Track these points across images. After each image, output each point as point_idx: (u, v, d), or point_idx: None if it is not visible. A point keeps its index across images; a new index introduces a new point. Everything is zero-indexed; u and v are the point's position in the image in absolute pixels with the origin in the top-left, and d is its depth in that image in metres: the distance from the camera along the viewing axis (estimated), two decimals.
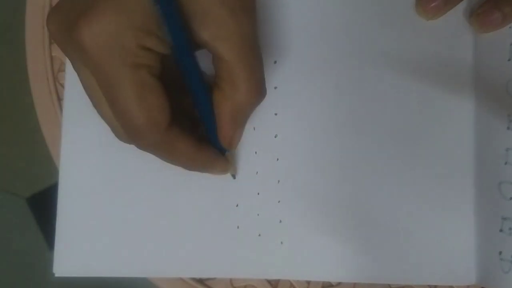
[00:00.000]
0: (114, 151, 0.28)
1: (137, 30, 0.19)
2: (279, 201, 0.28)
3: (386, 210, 0.27)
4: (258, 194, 0.28)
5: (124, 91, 0.20)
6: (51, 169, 0.29)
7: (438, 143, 0.28)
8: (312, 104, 0.28)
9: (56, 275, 0.28)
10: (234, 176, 0.28)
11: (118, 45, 0.19)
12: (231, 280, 0.28)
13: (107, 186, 0.28)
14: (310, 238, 0.27)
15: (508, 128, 0.27)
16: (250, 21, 0.21)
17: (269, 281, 0.28)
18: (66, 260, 0.28)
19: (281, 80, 0.28)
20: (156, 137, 0.21)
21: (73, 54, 0.21)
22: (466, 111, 0.28)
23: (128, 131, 0.21)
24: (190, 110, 0.24)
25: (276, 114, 0.28)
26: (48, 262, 0.28)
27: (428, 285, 0.28)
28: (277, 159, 0.28)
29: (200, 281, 0.28)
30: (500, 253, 0.26)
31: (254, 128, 0.28)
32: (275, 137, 0.28)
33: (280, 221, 0.28)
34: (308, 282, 0.28)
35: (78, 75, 0.22)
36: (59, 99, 0.30)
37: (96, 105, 0.22)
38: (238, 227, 0.28)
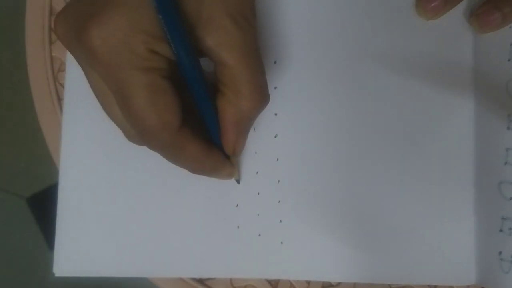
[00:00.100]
0: (114, 151, 0.28)
1: (145, 35, 0.19)
2: (279, 201, 0.28)
3: (386, 210, 0.27)
4: (258, 194, 0.28)
5: (135, 94, 0.20)
6: (51, 169, 0.29)
7: (438, 143, 0.28)
8: (312, 104, 0.28)
9: (56, 275, 0.28)
10: (238, 181, 0.28)
11: (127, 49, 0.19)
12: (231, 280, 0.28)
13: (107, 186, 0.28)
14: (310, 238, 0.27)
15: (508, 128, 0.27)
16: (251, 28, 0.22)
17: (269, 281, 0.28)
18: (66, 260, 0.28)
19: (281, 80, 0.28)
20: (168, 138, 0.21)
21: (82, 57, 0.21)
22: (466, 111, 0.28)
23: (139, 132, 0.22)
24: None
25: (276, 114, 0.28)
26: (48, 262, 0.28)
27: (428, 285, 0.28)
28: (277, 159, 0.28)
29: (200, 281, 0.28)
30: (500, 253, 0.26)
31: (254, 128, 0.28)
32: (275, 137, 0.28)
33: (280, 221, 0.28)
34: (308, 282, 0.28)
35: (87, 77, 0.22)
36: (59, 99, 0.30)
37: (105, 107, 0.22)
38: (238, 227, 0.28)
